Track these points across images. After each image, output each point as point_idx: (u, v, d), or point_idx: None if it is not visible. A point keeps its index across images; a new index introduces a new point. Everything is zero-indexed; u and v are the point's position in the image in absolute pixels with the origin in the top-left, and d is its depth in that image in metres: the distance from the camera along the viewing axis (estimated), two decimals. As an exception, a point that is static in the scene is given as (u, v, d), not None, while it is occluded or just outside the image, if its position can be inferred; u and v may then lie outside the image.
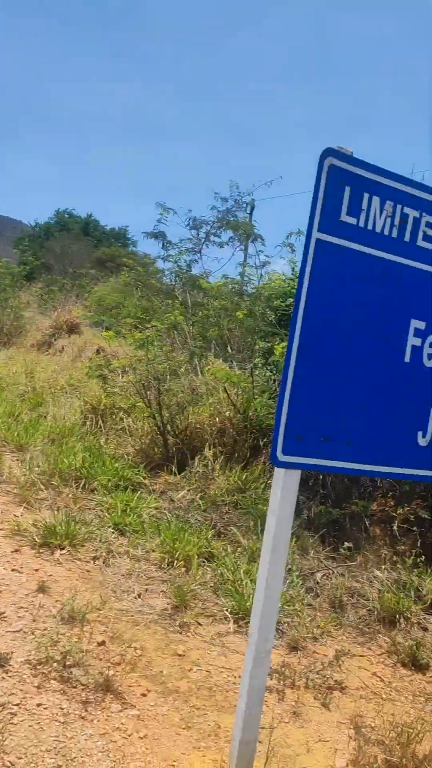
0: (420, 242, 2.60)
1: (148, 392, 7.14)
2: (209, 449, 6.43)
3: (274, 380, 6.66)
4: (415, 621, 4.07)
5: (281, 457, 2.39)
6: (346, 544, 5.00)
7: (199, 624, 3.67)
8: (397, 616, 4.03)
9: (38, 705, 2.69)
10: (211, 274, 9.06)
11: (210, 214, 9.10)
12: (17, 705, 2.67)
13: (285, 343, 5.80)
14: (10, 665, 2.94)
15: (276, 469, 2.47)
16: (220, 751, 2.55)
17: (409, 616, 4.08)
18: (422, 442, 2.67)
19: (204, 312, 7.79)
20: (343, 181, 2.38)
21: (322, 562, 4.82)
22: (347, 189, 2.40)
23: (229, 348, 8.22)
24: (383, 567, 4.69)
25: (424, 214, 2.60)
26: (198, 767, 2.45)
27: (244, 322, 6.48)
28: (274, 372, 6.59)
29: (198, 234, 9.06)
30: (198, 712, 2.84)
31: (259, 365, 6.80)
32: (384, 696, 3.32)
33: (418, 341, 2.63)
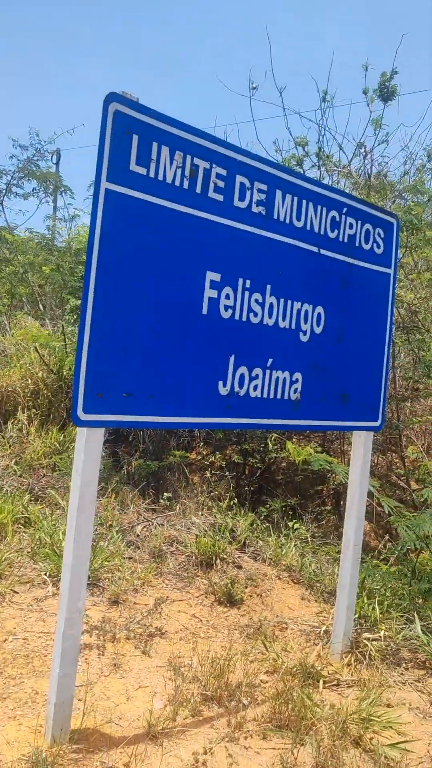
0: (211, 194, 2.62)
1: None
2: (23, 412, 6.19)
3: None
4: (230, 561, 4.30)
5: (82, 416, 2.34)
6: (166, 494, 5.12)
7: (15, 592, 3.56)
8: (214, 558, 4.22)
9: None
10: (17, 227, 8.55)
11: (9, 163, 8.53)
12: None
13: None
14: None
15: (78, 428, 2.42)
16: (38, 717, 2.51)
17: (224, 557, 4.29)
18: (223, 391, 2.76)
19: (11, 268, 7.35)
20: (129, 129, 2.31)
21: (142, 515, 4.89)
22: (135, 137, 2.34)
23: (41, 305, 7.88)
24: (200, 513, 4.87)
25: (214, 165, 2.62)
26: (14, 736, 2.39)
27: (51, 278, 6.22)
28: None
29: (-3, 185, 8.48)
30: (14, 682, 2.76)
31: (71, 322, 6.60)
32: (202, 635, 3.48)
33: (214, 293, 2.68)
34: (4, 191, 8.52)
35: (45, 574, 3.76)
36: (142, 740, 2.46)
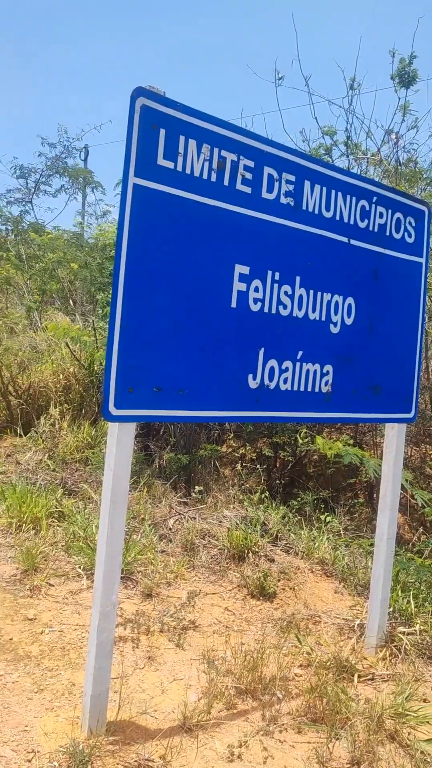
0: (239, 186, 2.61)
1: (-16, 353, 6.76)
2: (55, 407, 6.26)
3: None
4: (262, 554, 4.29)
5: (114, 411, 2.35)
6: (197, 488, 5.12)
7: (51, 585, 3.61)
8: (246, 551, 4.22)
9: None
10: (46, 224, 8.62)
11: (38, 161, 8.59)
12: None
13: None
14: None
15: (110, 423, 2.43)
16: (74, 708, 2.55)
17: (256, 550, 4.29)
18: (253, 384, 2.74)
19: (41, 265, 7.42)
20: (156, 123, 2.31)
21: (174, 509, 4.92)
22: (162, 131, 2.33)
23: (71, 301, 7.95)
24: (232, 506, 4.88)
25: (241, 157, 2.60)
26: (51, 727, 2.43)
27: (79, 274, 6.27)
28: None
29: (27, 183, 8.52)
30: (51, 674, 2.80)
31: (101, 317, 6.64)
32: (235, 628, 3.49)
33: (243, 286, 2.67)
34: (33, 189, 8.61)
35: (79, 568, 3.80)
36: (177, 733, 2.47)
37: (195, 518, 4.74)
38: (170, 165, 2.37)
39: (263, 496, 4.88)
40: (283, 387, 2.85)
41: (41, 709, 2.54)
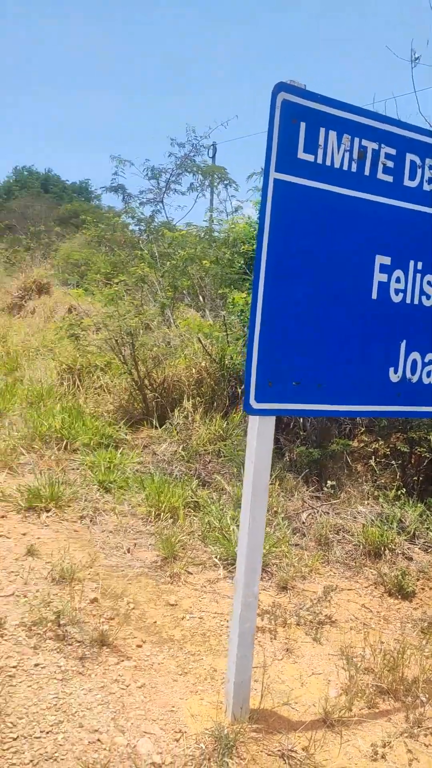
0: (380, 175, 2.55)
1: (123, 348, 7.08)
2: (188, 400, 6.43)
3: (244, 326, 6.62)
4: (399, 552, 4.18)
5: (254, 405, 2.38)
6: (330, 482, 5.07)
7: (189, 573, 3.73)
8: (382, 549, 4.13)
9: (35, 665, 2.73)
10: (176, 222, 8.89)
11: (168, 161, 8.85)
12: (14, 667, 2.70)
13: (244, 294, 5.74)
14: (4, 629, 2.97)
15: (250, 417, 2.47)
16: (217, 693, 2.62)
17: (393, 547, 4.18)
18: (394, 378, 2.68)
19: (172, 262, 7.65)
20: (297, 116, 2.30)
21: (306, 503, 4.90)
22: (302, 125, 2.32)
23: (201, 297, 8.13)
24: (366, 502, 4.78)
25: (382, 145, 2.54)
26: (196, 710, 2.52)
27: (210, 270, 6.39)
28: (242, 319, 6.54)
29: (158, 184, 8.81)
30: (193, 658, 2.91)
31: (232, 312, 6.74)
32: (373, 626, 3.43)
33: (384, 277, 2.61)
34: (164, 189, 8.89)
35: (216, 557, 3.90)
36: (319, 726, 2.48)
37: (328, 513, 4.70)
38: (310, 158, 2.36)
39: (399, 492, 4.74)
40: (426, 380, 2.76)
41: (186, 692, 2.64)
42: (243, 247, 6.69)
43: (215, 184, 7.32)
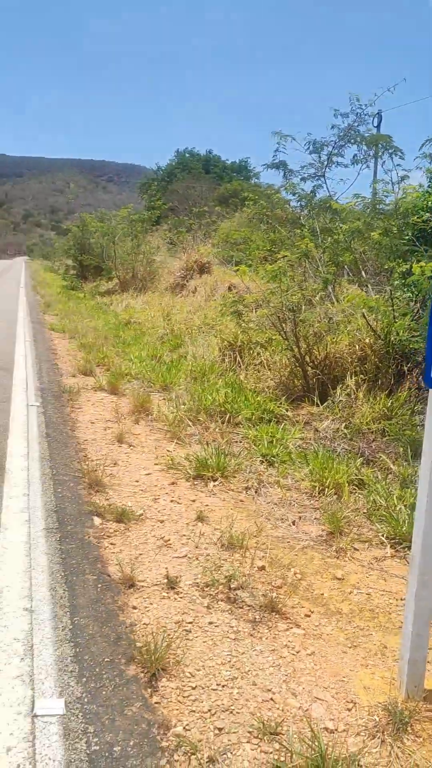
0: None
1: (284, 325, 7.10)
2: (351, 378, 6.33)
3: (415, 301, 6.34)
4: None
5: (437, 378, 2.29)
6: None
7: (355, 549, 3.70)
8: None
9: (210, 623, 2.87)
10: (338, 196, 8.66)
11: (330, 133, 8.59)
12: (191, 623, 2.86)
13: (424, 262, 5.47)
14: (180, 587, 3.15)
15: (430, 391, 2.38)
16: (389, 670, 2.59)
17: None
18: None
19: (334, 237, 7.50)
20: None
21: None
22: None
23: (363, 272, 7.92)
24: None
25: None
26: (368, 683, 2.51)
27: (381, 243, 6.17)
28: (415, 293, 6.26)
29: (320, 158, 8.61)
30: (362, 633, 2.89)
31: (399, 287, 6.49)
32: None
33: None
34: (326, 162, 8.71)
35: (382, 536, 3.83)
36: None
37: None
38: None
39: None
40: None
41: (356, 664, 2.64)
42: (413, 218, 6.39)
43: (380, 153, 7.02)
